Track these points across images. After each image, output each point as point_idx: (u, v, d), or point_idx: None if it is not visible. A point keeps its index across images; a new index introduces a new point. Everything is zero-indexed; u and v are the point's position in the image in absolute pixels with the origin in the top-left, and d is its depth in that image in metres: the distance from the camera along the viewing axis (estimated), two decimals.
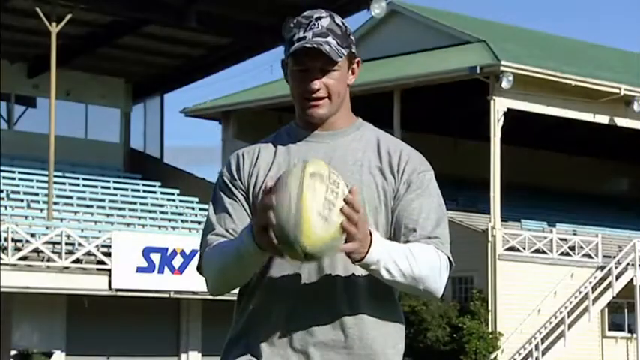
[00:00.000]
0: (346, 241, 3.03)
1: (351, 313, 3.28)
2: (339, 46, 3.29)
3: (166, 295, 28.96)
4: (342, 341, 3.27)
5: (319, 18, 3.31)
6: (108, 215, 32.70)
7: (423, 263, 3.23)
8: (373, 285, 3.29)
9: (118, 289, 28.12)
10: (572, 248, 39.34)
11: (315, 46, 3.23)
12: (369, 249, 3.08)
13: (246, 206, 3.34)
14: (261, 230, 3.03)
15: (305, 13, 3.36)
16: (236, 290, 3.39)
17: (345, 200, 3.01)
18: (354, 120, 3.46)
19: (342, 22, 3.34)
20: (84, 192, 34.01)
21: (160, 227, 32.85)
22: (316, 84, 3.29)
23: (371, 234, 3.09)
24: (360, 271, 3.24)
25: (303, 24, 3.31)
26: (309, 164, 3.05)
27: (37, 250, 27.95)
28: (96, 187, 34.67)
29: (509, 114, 38.06)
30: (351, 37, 3.36)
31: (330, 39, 3.27)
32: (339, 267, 3.26)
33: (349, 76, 3.41)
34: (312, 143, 3.36)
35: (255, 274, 3.28)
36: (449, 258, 3.33)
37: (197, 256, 3.44)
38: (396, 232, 3.31)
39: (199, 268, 3.38)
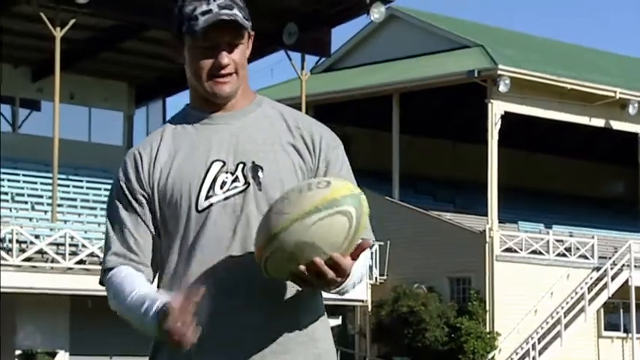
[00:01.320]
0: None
1: (287, 328, 3.05)
2: (244, 19, 3.09)
3: None
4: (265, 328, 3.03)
5: None
6: None
7: (364, 268, 3.04)
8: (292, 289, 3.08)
9: None
10: (568, 250, 39.37)
11: (232, 18, 3.03)
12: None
13: (147, 214, 3.12)
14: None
15: None
16: None
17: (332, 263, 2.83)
18: (254, 96, 3.21)
19: None
20: (87, 194, 34.01)
21: None
22: (225, 59, 3.06)
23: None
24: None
25: None
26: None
27: (41, 252, 27.97)
28: (99, 189, 34.66)
29: (507, 117, 38.09)
30: (246, 9, 3.15)
31: (236, 10, 3.07)
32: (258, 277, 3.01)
33: (247, 51, 3.16)
34: (215, 125, 3.12)
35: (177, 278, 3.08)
36: (374, 242, 3.10)
37: (101, 269, 3.18)
38: None
39: (102, 283, 3.16)
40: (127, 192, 3.14)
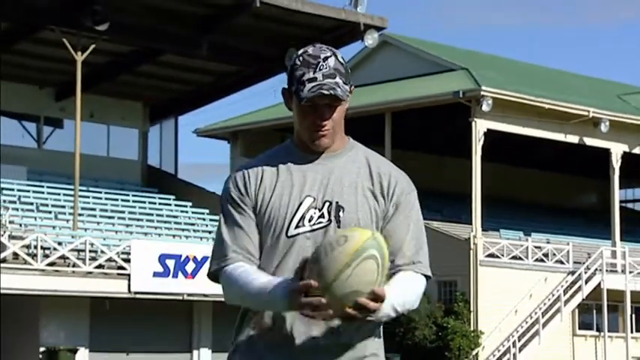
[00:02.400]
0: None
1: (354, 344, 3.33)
2: (344, 85, 3.28)
3: (180, 298, 28.95)
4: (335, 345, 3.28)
5: (326, 58, 3.28)
6: (127, 225, 32.69)
7: (413, 296, 3.32)
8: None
9: (136, 292, 28.11)
10: (545, 255, 39.37)
11: (332, 92, 3.23)
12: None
13: (255, 222, 3.32)
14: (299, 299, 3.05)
15: (311, 52, 3.30)
16: None
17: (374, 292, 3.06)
18: (347, 141, 3.44)
19: (343, 59, 3.32)
20: (106, 204, 34.01)
21: (174, 236, 32.83)
22: (326, 118, 3.29)
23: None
24: None
25: (311, 64, 3.27)
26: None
27: (63, 257, 27.94)
28: (116, 200, 34.67)
29: (489, 134, 38.13)
30: (349, 70, 3.35)
31: (337, 79, 3.26)
32: None
33: (347, 105, 3.39)
34: (311, 164, 3.34)
35: None
36: (426, 275, 3.41)
37: (209, 263, 3.39)
38: None
39: (214, 277, 3.36)
40: (239, 201, 3.34)
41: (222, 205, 3.39)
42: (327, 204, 3.29)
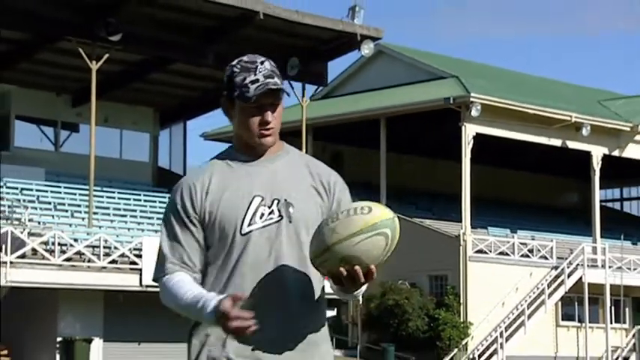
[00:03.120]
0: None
1: (299, 312, 3.33)
2: (281, 85, 3.36)
3: None
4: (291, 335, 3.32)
5: (262, 62, 3.36)
6: (139, 223, 32.70)
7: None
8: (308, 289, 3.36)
9: (147, 286, 28.10)
10: (531, 251, 39.40)
11: (278, 87, 3.31)
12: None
13: (199, 234, 3.35)
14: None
15: (246, 59, 3.38)
16: None
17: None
18: (282, 144, 3.48)
19: (274, 63, 3.40)
20: (119, 203, 34.01)
21: None
22: (269, 117, 3.34)
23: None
24: (302, 280, 3.32)
25: (250, 68, 3.34)
26: None
27: (79, 253, 27.95)
28: (129, 199, 34.67)
29: (478, 138, 38.15)
30: (281, 76, 3.42)
31: (276, 79, 3.34)
32: (292, 277, 3.32)
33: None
34: (255, 167, 3.38)
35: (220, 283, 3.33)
36: None
37: (154, 270, 3.41)
38: None
39: (156, 281, 3.40)
40: (182, 214, 3.37)
41: (165, 214, 3.42)
42: (276, 201, 3.34)
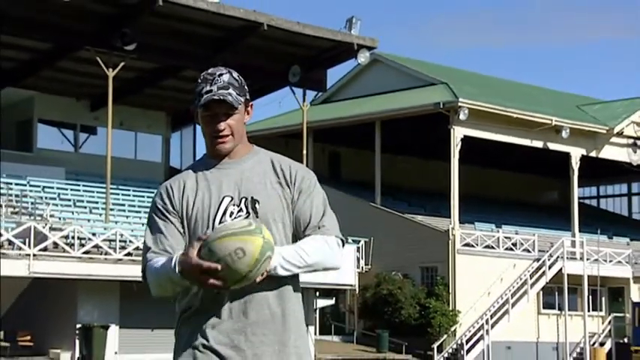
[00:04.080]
0: None
1: (272, 310, 3.36)
2: (238, 96, 3.38)
3: None
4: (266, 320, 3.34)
5: (221, 74, 3.39)
6: None
7: (313, 252, 3.33)
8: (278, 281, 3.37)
9: None
10: (514, 244, 39.42)
11: (222, 97, 3.33)
12: None
13: (179, 226, 3.40)
14: (201, 279, 3.15)
15: (209, 71, 3.42)
16: None
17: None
18: (251, 148, 3.52)
19: (239, 77, 3.43)
20: (134, 200, 34.01)
21: None
22: (222, 125, 3.38)
23: None
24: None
25: (208, 80, 3.38)
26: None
27: (97, 246, 27.95)
28: (143, 196, 34.66)
29: (466, 140, 38.16)
30: (245, 87, 3.44)
31: (230, 90, 3.36)
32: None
33: (245, 117, 3.48)
34: (224, 170, 3.43)
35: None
36: (338, 237, 3.43)
37: (141, 268, 3.44)
38: (297, 228, 3.41)
39: (143, 278, 3.42)
40: (163, 210, 3.43)
41: (148, 215, 3.47)
42: (244, 199, 3.38)
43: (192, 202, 3.39)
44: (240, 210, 3.37)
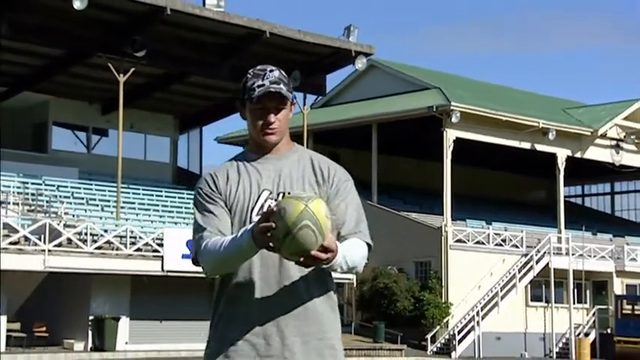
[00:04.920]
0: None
1: (303, 302, 3.32)
2: (287, 91, 3.36)
3: (204, 275, 28.81)
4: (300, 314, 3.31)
5: (271, 70, 3.36)
6: (161, 216, 32.72)
7: (358, 256, 3.31)
8: (315, 276, 3.34)
9: (168, 271, 28.14)
10: (504, 240, 39.41)
11: (277, 90, 3.32)
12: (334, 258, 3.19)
13: (226, 210, 3.36)
14: (262, 235, 3.09)
15: (259, 67, 3.39)
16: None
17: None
18: (292, 145, 3.49)
19: (285, 74, 3.40)
20: (143, 199, 34.02)
21: None
22: (272, 118, 3.35)
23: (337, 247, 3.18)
24: (306, 270, 3.28)
25: (259, 75, 3.35)
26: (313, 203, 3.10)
27: (108, 242, 27.97)
28: (152, 195, 34.68)
29: (458, 142, 38.15)
30: (290, 85, 3.42)
31: (282, 85, 3.34)
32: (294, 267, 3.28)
33: (290, 114, 3.44)
34: (265, 164, 3.40)
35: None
36: (368, 243, 3.41)
37: (193, 251, 3.42)
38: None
39: (194, 260, 3.39)
40: (210, 194, 3.39)
41: (195, 201, 3.43)
42: (281, 195, 3.34)
43: (234, 192, 3.36)
44: None
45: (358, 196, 3.48)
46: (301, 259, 3.10)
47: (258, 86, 3.32)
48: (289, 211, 3.08)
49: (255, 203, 3.34)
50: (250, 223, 3.29)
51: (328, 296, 3.37)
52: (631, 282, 42.72)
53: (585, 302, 41.63)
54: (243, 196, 3.35)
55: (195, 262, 3.40)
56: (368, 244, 3.40)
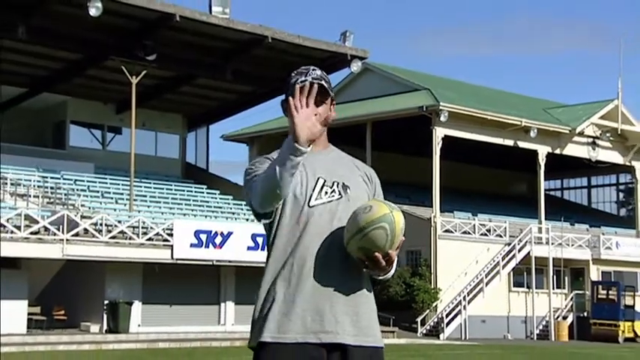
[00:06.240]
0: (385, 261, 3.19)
1: (355, 287, 3.29)
2: (328, 88, 3.32)
3: (211, 263, 28.98)
4: (353, 307, 3.27)
5: (314, 69, 3.33)
6: (170, 208, 32.74)
7: (394, 267, 3.35)
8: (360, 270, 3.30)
9: (178, 259, 28.15)
10: (488, 231, 39.43)
11: (319, 82, 3.27)
12: (391, 269, 3.26)
13: None
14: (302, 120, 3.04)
15: (303, 67, 3.36)
16: (262, 258, 3.41)
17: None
18: (329, 145, 3.45)
19: (327, 75, 3.37)
20: (154, 192, 34.03)
21: (206, 216, 32.89)
22: (316, 108, 3.23)
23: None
24: (353, 263, 3.25)
25: (303, 72, 3.32)
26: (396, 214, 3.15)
27: (122, 232, 27.98)
28: (162, 188, 34.69)
29: (446, 139, 38.14)
30: (331, 85, 3.37)
31: (323, 82, 3.30)
32: (343, 261, 3.25)
33: (331, 113, 3.35)
34: (316, 155, 3.32)
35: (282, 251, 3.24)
36: None
37: (248, 201, 3.29)
38: None
39: (250, 203, 3.26)
40: (265, 161, 3.31)
41: (250, 169, 3.30)
42: (336, 183, 3.30)
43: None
44: (333, 192, 3.30)
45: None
46: (364, 257, 3.13)
47: (302, 81, 3.25)
48: (375, 209, 3.12)
49: (314, 189, 3.28)
50: (309, 205, 3.24)
51: (371, 284, 3.38)
52: (606, 269, 42.78)
53: (564, 288, 41.68)
54: (299, 182, 3.26)
55: (255, 214, 3.27)
56: None
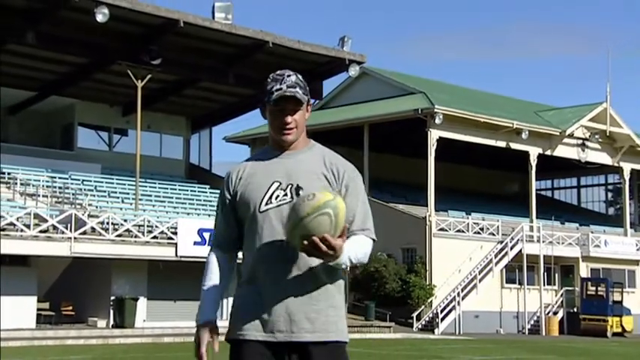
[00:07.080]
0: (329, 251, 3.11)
1: (313, 284, 3.27)
2: (303, 95, 3.30)
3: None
4: (308, 295, 3.26)
5: (289, 75, 3.32)
6: (175, 207, 32.72)
7: (362, 252, 3.27)
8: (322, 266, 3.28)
9: (181, 257, 28.14)
10: (481, 229, 39.44)
11: (292, 94, 3.27)
12: (340, 256, 3.15)
13: (233, 214, 3.38)
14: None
15: (278, 72, 3.35)
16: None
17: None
18: (308, 142, 3.43)
19: (302, 79, 3.35)
20: (159, 192, 34.01)
21: (209, 215, 32.86)
22: (289, 119, 3.30)
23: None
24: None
25: (278, 79, 3.30)
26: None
27: (127, 230, 27.98)
28: (167, 188, 34.67)
29: (441, 141, 38.15)
30: (307, 88, 3.36)
31: (297, 89, 3.28)
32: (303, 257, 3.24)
33: (306, 114, 3.39)
34: (282, 159, 3.35)
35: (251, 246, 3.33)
36: (373, 239, 3.36)
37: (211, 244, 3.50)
38: None
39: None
40: (222, 200, 3.43)
41: (218, 201, 3.48)
42: (290, 186, 3.29)
43: (246, 185, 3.33)
44: (285, 195, 3.29)
45: (365, 193, 3.43)
46: (305, 242, 3.05)
47: (276, 90, 3.27)
48: (318, 196, 3.07)
49: (265, 194, 3.30)
50: (259, 212, 3.28)
51: (335, 278, 3.32)
52: (595, 266, 42.81)
53: (554, 284, 41.70)
54: (253, 188, 3.32)
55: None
56: (372, 240, 3.35)
